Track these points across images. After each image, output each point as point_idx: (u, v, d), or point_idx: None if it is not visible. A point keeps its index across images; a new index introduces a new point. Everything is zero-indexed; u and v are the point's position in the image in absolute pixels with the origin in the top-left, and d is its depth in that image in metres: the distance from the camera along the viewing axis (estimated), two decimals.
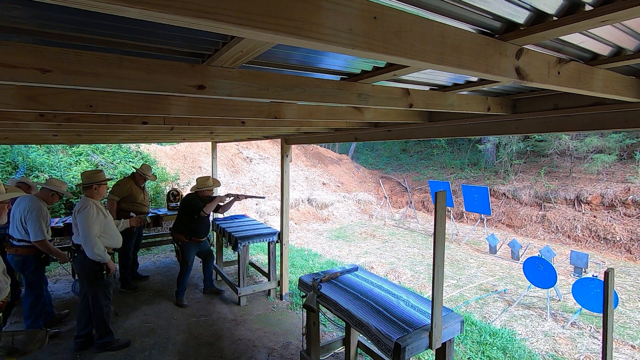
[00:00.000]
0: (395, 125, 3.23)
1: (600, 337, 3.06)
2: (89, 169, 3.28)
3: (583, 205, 9.78)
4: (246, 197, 4.75)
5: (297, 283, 3.29)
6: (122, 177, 5.30)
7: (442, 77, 1.75)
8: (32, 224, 3.41)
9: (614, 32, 1.14)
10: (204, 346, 3.67)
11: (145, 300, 4.75)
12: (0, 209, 2.42)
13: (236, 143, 13.25)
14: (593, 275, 4.82)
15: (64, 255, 3.77)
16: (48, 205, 3.72)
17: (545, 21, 0.97)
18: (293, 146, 5.90)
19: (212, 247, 4.95)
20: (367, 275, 3.26)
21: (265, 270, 5.04)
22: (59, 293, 4.87)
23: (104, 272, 3.31)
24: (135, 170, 5.22)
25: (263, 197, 4.90)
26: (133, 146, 9.79)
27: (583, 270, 6.27)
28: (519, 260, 7.31)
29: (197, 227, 4.41)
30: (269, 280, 4.86)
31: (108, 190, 4.96)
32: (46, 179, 4.00)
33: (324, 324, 4.17)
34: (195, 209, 4.34)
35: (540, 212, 10.29)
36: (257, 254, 7.08)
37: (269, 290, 4.87)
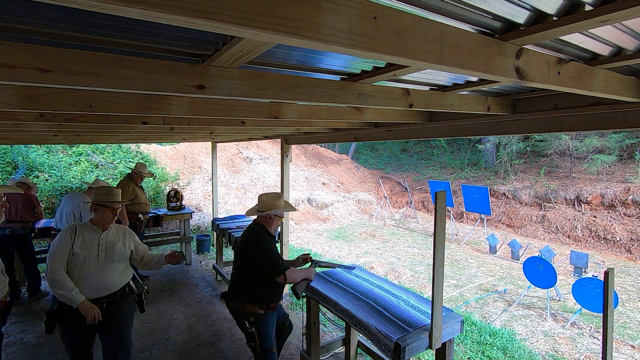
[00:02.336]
0: (395, 125, 3.23)
1: (600, 337, 3.06)
2: (104, 185, 2.67)
3: (583, 205, 9.78)
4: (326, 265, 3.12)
5: None
6: (121, 179, 5.28)
7: (442, 77, 1.75)
8: (86, 216, 3.75)
9: (614, 32, 1.14)
10: (204, 346, 3.67)
11: (145, 301, 4.75)
12: None
13: (236, 143, 13.25)
14: (593, 275, 4.82)
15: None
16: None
17: (545, 21, 0.97)
18: (293, 146, 5.89)
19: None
20: (367, 275, 3.25)
21: None
22: None
23: (63, 317, 2.35)
24: (131, 171, 5.19)
25: (353, 267, 3.27)
26: (133, 146, 9.79)
27: (583, 270, 6.27)
28: (519, 260, 7.31)
29: (277, 285, 2.59)
30: None
31: None
32: (94, 180, 4.26)
33: (324, 324, 4.16)
34: (275, 270, 2.47)
35: (540, 212, 10.29)
36: None
37: None
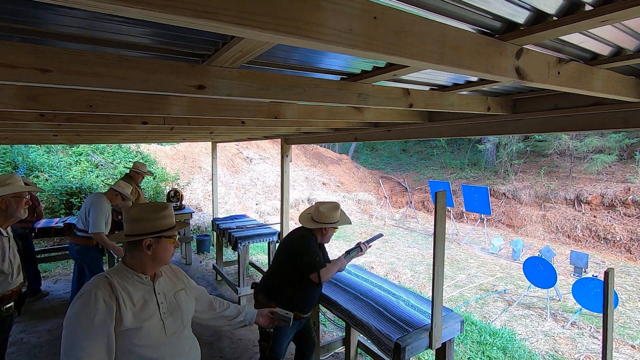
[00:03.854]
0: (395, 125, 3.23)
1: (600, 337, 3.06)
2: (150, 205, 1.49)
3: (583, 205, 9.78)
4: (368, 244, 2.75)
5: None
6: (121, 179, 5.26)
7: (442, 77, 1.75)
8: (92, 217, 3.67)
9: (614, 32, 1.14)
10: (204, 346, 3.67)
11: None
12: (17, 202, 2.33)
13: (236, 143, 13.25)
14: (593, 275, 4.82)
15: (119, 249, 3.84)
16: (112, 204, 3.99)
17: (545, 21, 0.97)
18: (293, 146, 5.89)
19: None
20: (367, 275, 3.26)
21: (265, 270, 5.04)
22: (59, 293, 4.87)
23: None
24: (129, 171, 5.16)
25: (382, 235, 3.13)
26: (133, 146, 9.79)
27: (583, 270, 6.27)
28: (518, 260, 7.31)
29: (310, 293, 2.45)
30: None
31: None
32: (115, 181, 4.13)
33: (324, 324, 4.16)
34: (310, 266, 2.33)
35: (540, 212, 10.29)
36: (257, 254, 7.08)
37: None
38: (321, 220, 2.43)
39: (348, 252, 2.63)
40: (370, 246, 2.74)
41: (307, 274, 2.33)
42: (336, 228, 2.52)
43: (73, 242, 3.87)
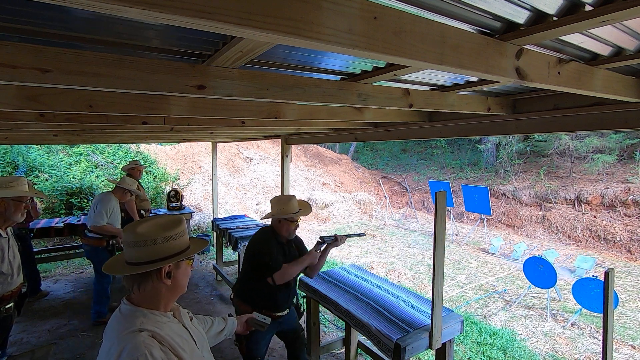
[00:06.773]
0: (395, 125, 3.23)
1: (600, 337, 3.06)
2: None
3: (583, 206, 9.77)
4: (346, 237, 2.72)
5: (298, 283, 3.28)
6: (122, 178, 5.27)
7: (442, 77, 1.75)
8: (96, 213, 3.76)
9: (614, 32, 1.14)
10: None
11: None
12: (15, 206, 2.33)
13: (236, 143, 13.25)
14: (593, 276, 4.82)
15: (120, 231, 3.87)
16: (121, 201, 4.05)
17: (545, 21, 0.97)
18: (293, 146, 5.89)
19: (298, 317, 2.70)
20: (367, 275, 3.26)
21: None
22: (59, 293, 4.87)
23: None
24: (126, 171, 5.15)
25: (364, 234, 3.10)
26: (133, 146, 9.79)
27: (584, 271, 6.27)
28: (518, 259, 7.31)
29: (278, 293, 2.40)
30: None
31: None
32: (122, 178, 4.17)
33: (324, 324, 4.16)
34: (261, 267, 2.34)
35: (540, 212, 10.29)
36: None
37: None
38: (273, 214, 2.43)
39: (322, 239, 2.62)
40: (345, 240, 2.71)
41: (264, 278, 2.33)
42: (295, 221, 2.46)
43: (84, 243, 3.92)
